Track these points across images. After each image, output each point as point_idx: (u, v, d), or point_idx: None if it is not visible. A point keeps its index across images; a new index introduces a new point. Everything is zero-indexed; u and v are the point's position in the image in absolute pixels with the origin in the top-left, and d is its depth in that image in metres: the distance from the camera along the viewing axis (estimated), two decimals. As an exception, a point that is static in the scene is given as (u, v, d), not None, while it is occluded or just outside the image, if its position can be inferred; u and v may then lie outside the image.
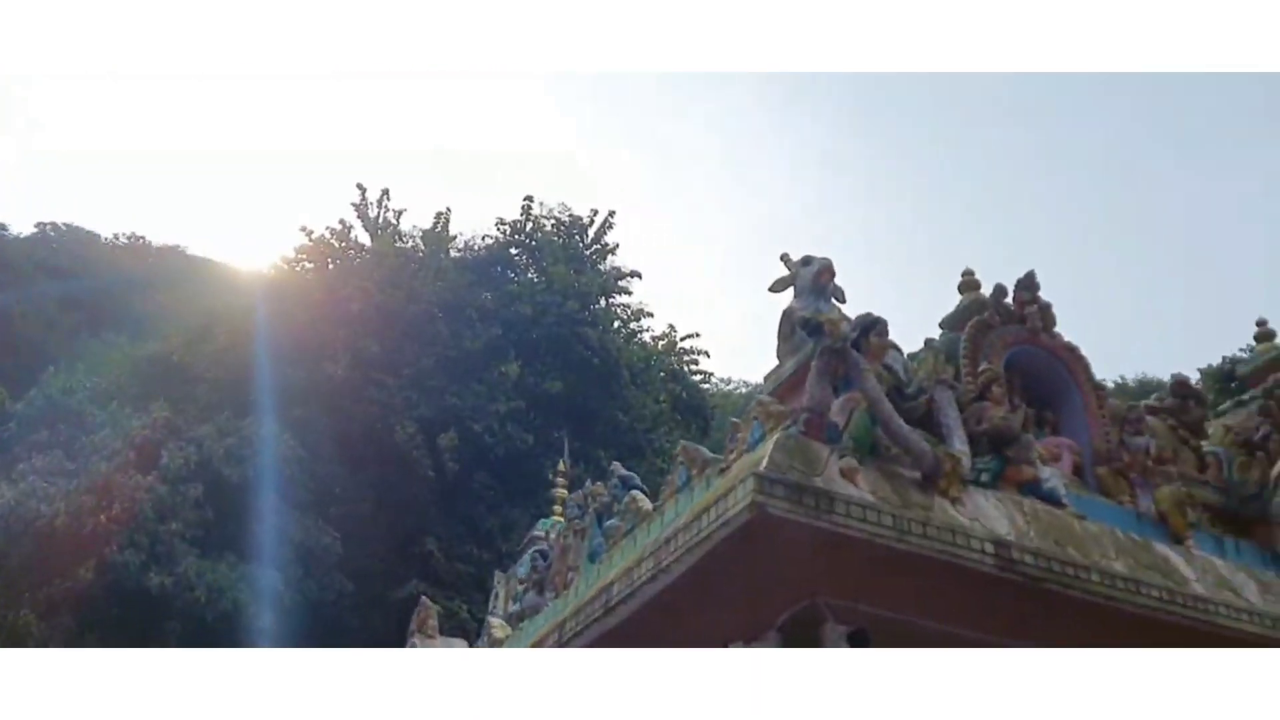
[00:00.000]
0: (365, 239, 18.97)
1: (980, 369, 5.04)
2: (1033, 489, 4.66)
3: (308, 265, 18.61)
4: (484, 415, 16.62)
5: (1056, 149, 53.88)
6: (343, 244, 18.74)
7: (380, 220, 19.08)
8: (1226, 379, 13.14)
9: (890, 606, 3.95)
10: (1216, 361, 17.06)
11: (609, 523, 5.65)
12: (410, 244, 19.14)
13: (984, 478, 4.53)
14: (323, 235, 18.60)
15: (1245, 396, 6.72)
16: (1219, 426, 6.29)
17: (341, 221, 18.81)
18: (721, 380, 24.27)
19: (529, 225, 19.70)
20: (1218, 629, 4.28)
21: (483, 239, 19.83)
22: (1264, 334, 7.01)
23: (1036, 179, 57.73)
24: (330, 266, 18.42)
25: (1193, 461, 5.83)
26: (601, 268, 20.06)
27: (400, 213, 19.31)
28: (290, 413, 15.83)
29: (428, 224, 19.19)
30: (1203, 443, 6.00)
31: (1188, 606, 4.22)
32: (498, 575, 8.34)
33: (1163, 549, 4.72)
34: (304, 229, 18.53)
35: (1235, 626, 4.30)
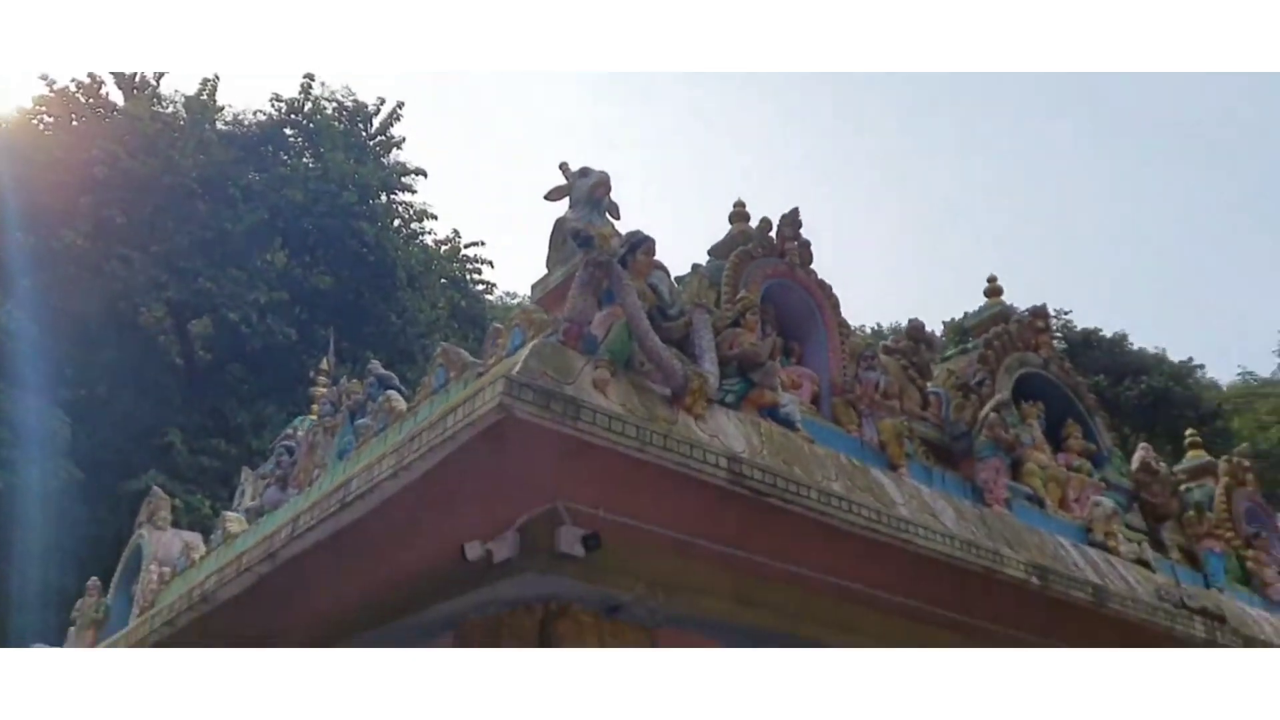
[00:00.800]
0: (118, 98, 17.15)
1: (738, 297, 5.24)
2: (772, 412, 4.94)
3: (47, 119, 16.63)
4: (242, 304, 15.61)
5: (856, 113, 56.49)
6: (91, 100, 16.83)
7: (137, 79, 17.27)
8: (963, 333, 14.49)
9: (628, 513, 4.09)
10: (960, 316, 18.68)
11: (361, 421, 5.51)
12: (171, 110, 17.48)
13: (729, 399, 4.75)
14: (67, 87, 16.64)
15: (969, 344, 7.40)
16: (943, 370, 6.90)
17: (91, 75, 16.85)
18: (507, 294, 24.00)
19: (308, 105, 18.43)
20: (917, 548, 4.74)
21: (255, 114, 18.36)
22: (993, 289, 7.70)
23: (833, 138, 60.40)
24: (74, 123, 16.55)
25: (917, 399, 6.36)
26: (385, 161, 19.15)
27: (161, 75, 17.57)
28: (18, 282, 14.32)
29: (192, 90, 17.61)
30: (928, 384, 6.55)
31: (893, 526, 4.63)
32: (245, 472, 7.97)
33: (878, 474, 5.15)
34: (44, 77, 16.50)
35: (931, 546, 4.77)
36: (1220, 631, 5.99)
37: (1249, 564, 7.50)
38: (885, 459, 5.48)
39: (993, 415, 6.16)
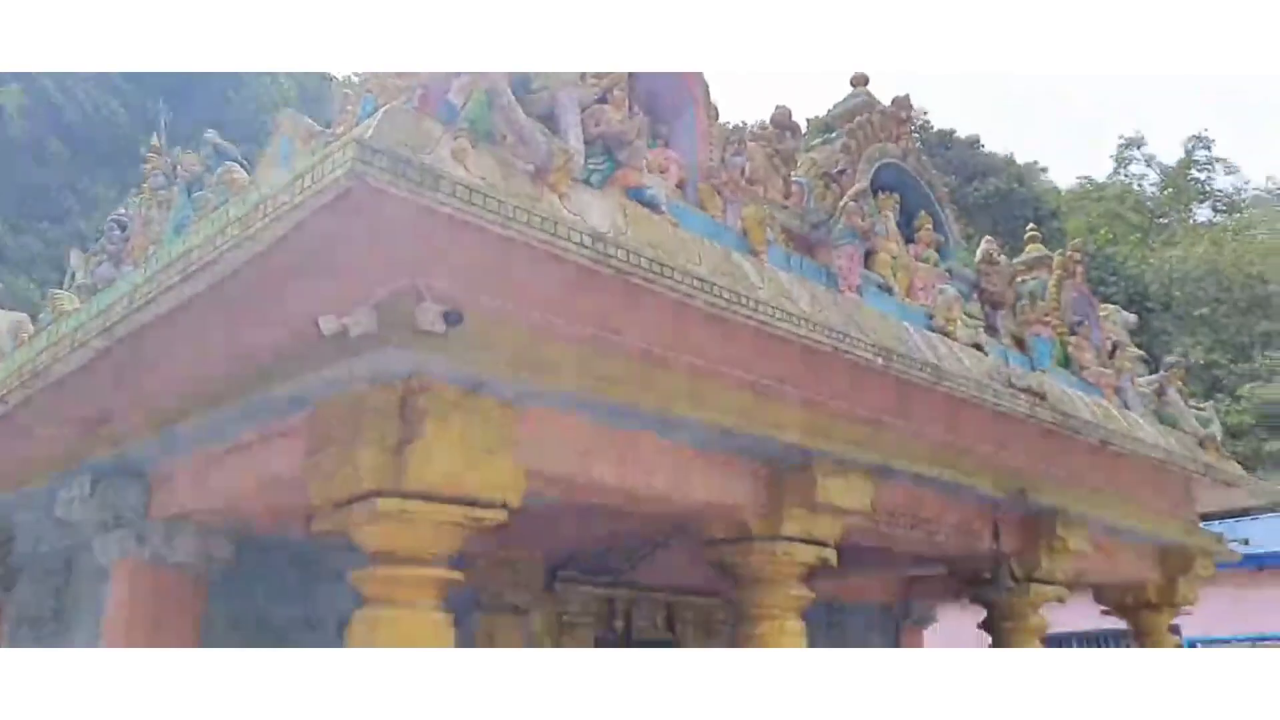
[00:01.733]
0: None
1: (605, 72, 5.02)
2: (637, 194, 4.87)
3: None
4: (60, 73, 14.14)
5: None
6: None
7: None
8: (827, 126, 14.56)
9: (490, 290, 4.02)
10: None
11: (199, 194, 5.16)
12: None
13: (594, 178, 4.65)
14: None
15: (833, 135, 7.42)
16: (808, 159, 6.92)
17: None
18: (357, 75, 22.45)
19: None
20: (773, 329, 4.88)
21: None
22: (859, 78, 7.66)
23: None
24: None
25: (780, 188, 6.39)
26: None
27: None
28: None
29: None
30: (792, 172, 6.57)
31: (751, 308, 4.73)
32: (73, 252, 7.43)
33: (739, 259, 5.22)
34: None
35: (786, 327, 4.92)
36: (1040, 408, 6.52)
37: (1071, 349, 8.12)
38: (747, 245, 5.53)
39: (851, 204, 6.27)
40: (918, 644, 11.56)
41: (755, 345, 5.07)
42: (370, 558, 4.15)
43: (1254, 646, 12.27)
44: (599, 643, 8.11)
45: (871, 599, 11.01)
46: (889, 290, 6.54)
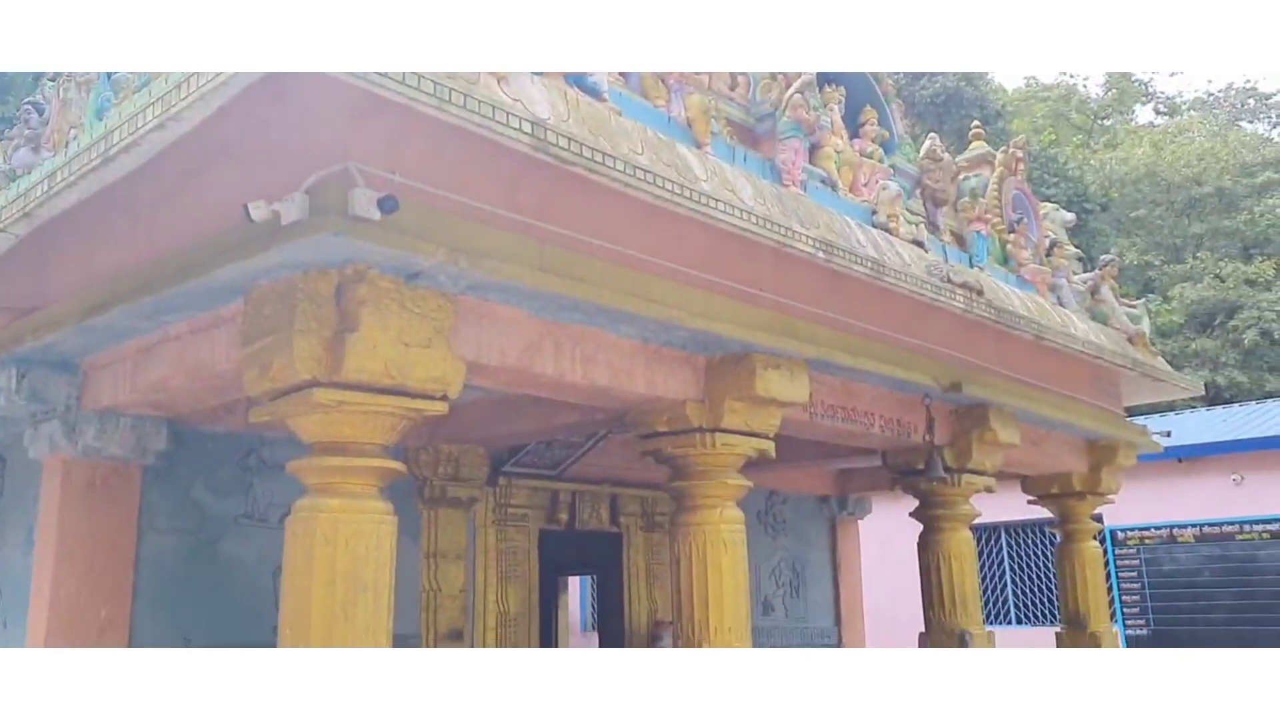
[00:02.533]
0: None
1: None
2: (579, 80, 4.76)
3: None
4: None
5: None
6: None
7: None
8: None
9: (426, 178, 3.93)
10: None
11: (120, 74, 4.91)
12: None
13: (534, 64, 4.51)
14: None
15: (782, 26, 7.27)
16: (753, 49, 6.80)
17: None
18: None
19: None
20: (716, 221, 4.86)
21: None
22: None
23: None
24: None
25: (725, 79, 6.28)
26: None
27: None
28: None
29: None
30: (738, 63, 6.45)
31: (694, 200, 4.69)
32: (-12, 139, 7.09)
33: (683, 150, 5.15)
34: None
35: (729, 221, 4.90)
36: (977, 303, 6.63)
37: (1009, 246, 8.23)
38: (691, 136, 5.46)
39: (797, 96, 6.19)
40: (853, 535, 11.96)
41: (698, 238, 5.06)
42: (309, 448, 4.14)
43: (1171, 534, 12.91)
44: (543, 536, 8.27)
45: (809, 490, 11.32)
46: (832, 185, 6.53)
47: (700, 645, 5.55)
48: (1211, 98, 40.34)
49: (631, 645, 8.82)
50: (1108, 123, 40.03)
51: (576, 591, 20.11)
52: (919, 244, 6.83)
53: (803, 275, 5.73)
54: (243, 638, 6.13)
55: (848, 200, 6.58)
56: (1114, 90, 40.72)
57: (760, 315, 5.53)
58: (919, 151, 7.74)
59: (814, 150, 6.50)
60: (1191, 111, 39.59)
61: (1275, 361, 24.34)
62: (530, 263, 4.32)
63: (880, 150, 7.23)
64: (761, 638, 10.37)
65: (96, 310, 4.41)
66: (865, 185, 6.88)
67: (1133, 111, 41.76)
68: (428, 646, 7.25)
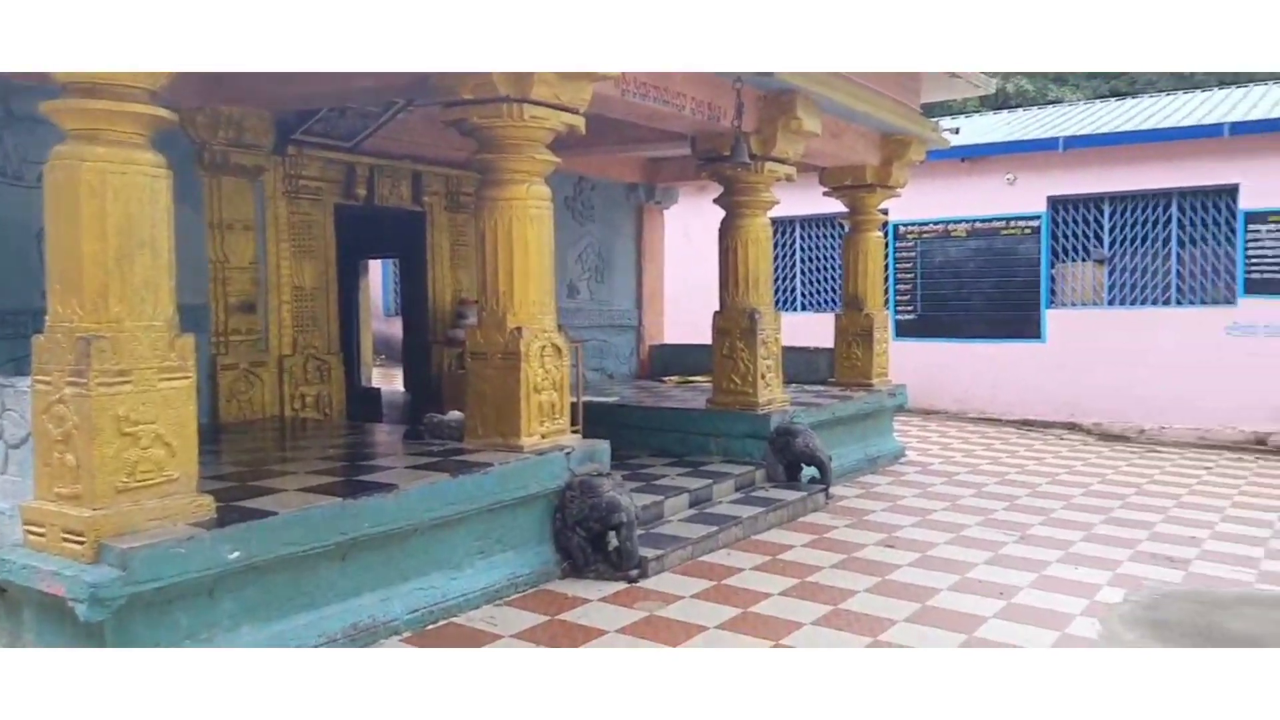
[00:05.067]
0: None
1: None
2: None
3: None
4: None
5: None
6: None
7: None
8: None
9: None
10: None
11: None
12: None
13: None
14: None
15: None
16: None
17: None
18: None
19: None
20: None
21: None
22: None
23: None
24: None
25: None
26: None
27: None
28: None
29: None
30: None
31: None
32: None
33: None
34: None
35: None
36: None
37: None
38: None
39: None
40: (658, 224, 12.20)
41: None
42: (63, 89, 3.65)
43: (947, 229, 13.90)
44: (340, 211, 7.94)
45: (618, 177, 11.32)
46: None
47: (504, 320, 5.63)
48: None
49: (435, 327, 8.87)
50: None
51: (379, 276, 19.92)
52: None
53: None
54: (16, 304, 5.74)
55: None
56: None
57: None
58: None
59: None
60: None
61: (1060, 72, 25.59)
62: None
63: None
64: (567, 318, 10.71)
65: None
66: None
67: None
68: (218, 318, 7.02)
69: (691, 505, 6.84)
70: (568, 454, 5.61)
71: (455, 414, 6.08)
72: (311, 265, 7.63)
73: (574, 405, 6.89)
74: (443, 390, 8.75)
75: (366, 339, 12.00)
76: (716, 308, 8.33)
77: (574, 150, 8.91)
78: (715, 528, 6.35)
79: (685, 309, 12.71)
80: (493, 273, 5.70)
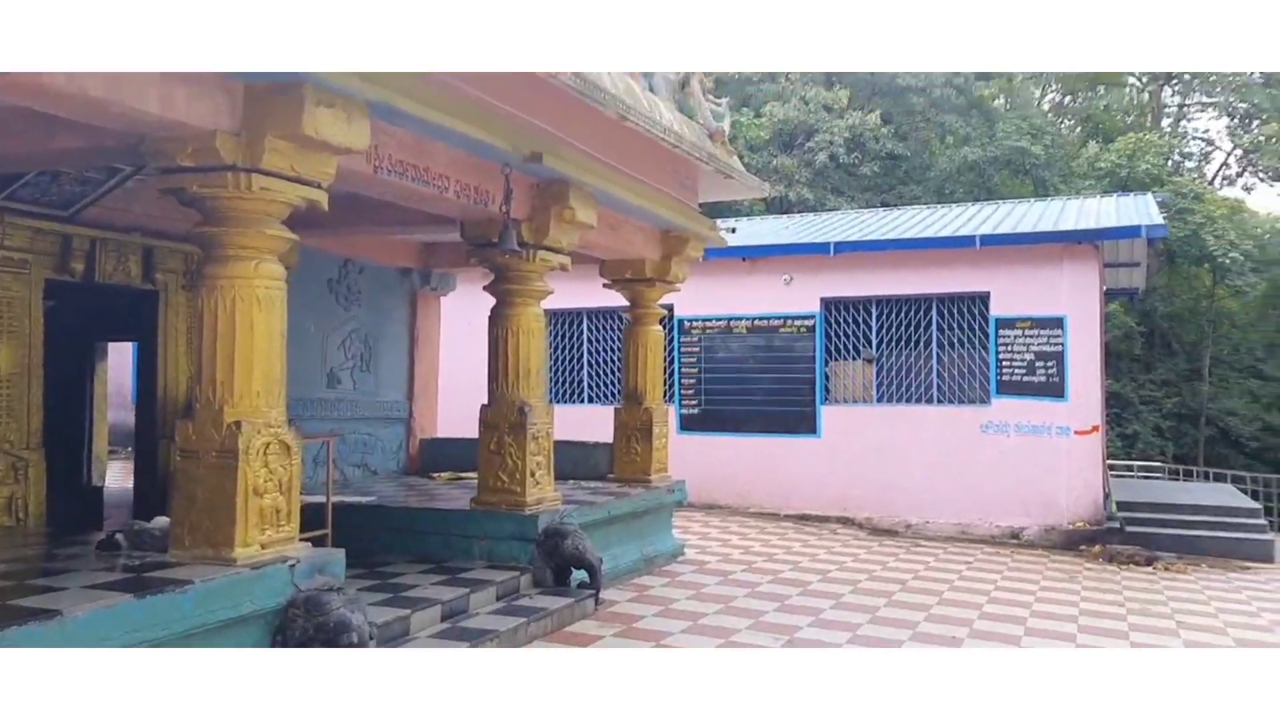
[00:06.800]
0: None
1: None
2: None
3: None
4: None
5: None
6: None
7: None
8: None
9: None
10: None
11: None
12: None
13: None
14: None
15: None
16: None
17: None
18: None
19: None
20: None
21: None
22: None
23: None
24: None
25: None
26: None
27: None
28: None
29: None
30: None
31: None
32: None
33: None
34: None
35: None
36: (564, 71, 6.27)
37: (606, 19, 7.88)
38: None
39: None
40: (434, 310, 11.68)
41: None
42: None
43: (729, 325, 14.12)
44: (54, 287, 7.00)
45: (390, 261, 10.77)
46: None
47: (221, 413, 4.96)
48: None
49: (165, 419, 7.93)
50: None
51: (131, 361, 18.22)
52: None
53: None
54: None
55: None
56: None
57: (314, 42, 4.72)
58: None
59: None
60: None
61: (838, 183, 27.21)
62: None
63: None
64: (326, 409, 9.93)
65: None
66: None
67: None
68: None
69: (444, 618, 6.24)
70: (292, 566, 4.95)
71: (161, 520, 5.29)
72: (9, 348, 6.62)
73: (321, 508, 6.23)
74: (170, 491, 7.78)
75: (102, 431, 10.72)
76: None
77: (334, 229, 8.36)
78: (466, 644, 5.78)
79: (467, 400, 12.06)
80: (210, 358, 5.04)
